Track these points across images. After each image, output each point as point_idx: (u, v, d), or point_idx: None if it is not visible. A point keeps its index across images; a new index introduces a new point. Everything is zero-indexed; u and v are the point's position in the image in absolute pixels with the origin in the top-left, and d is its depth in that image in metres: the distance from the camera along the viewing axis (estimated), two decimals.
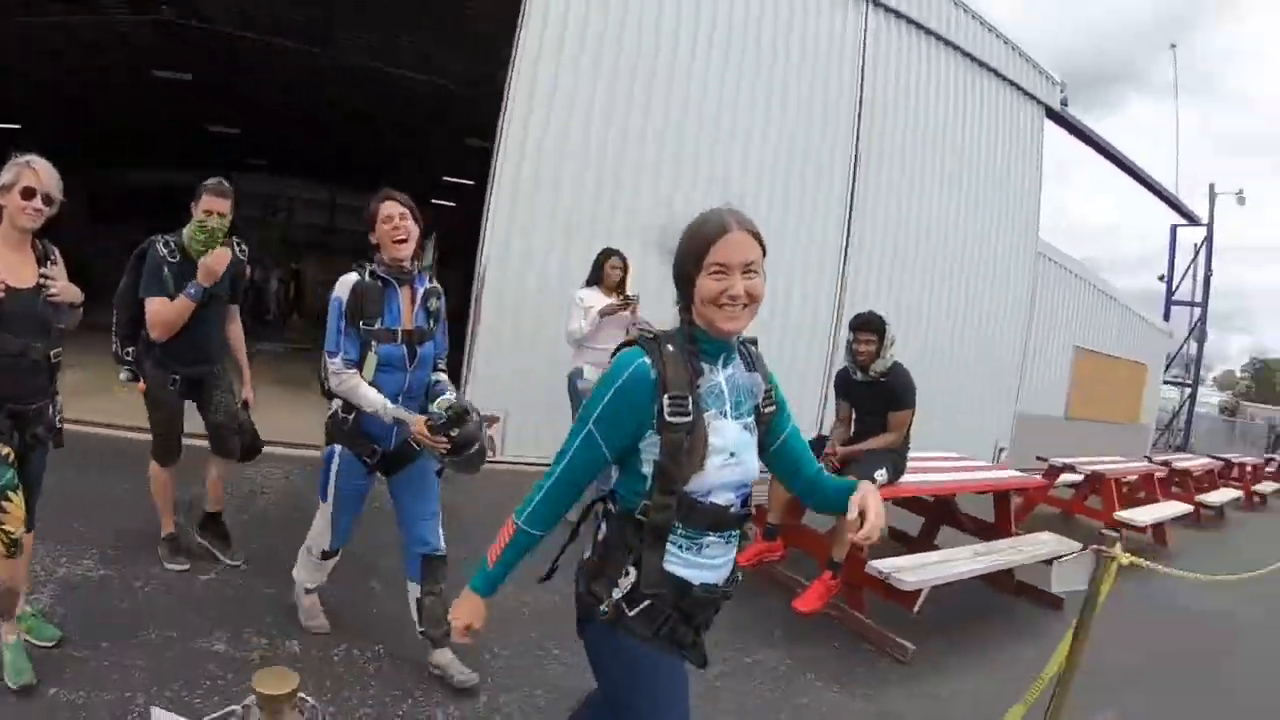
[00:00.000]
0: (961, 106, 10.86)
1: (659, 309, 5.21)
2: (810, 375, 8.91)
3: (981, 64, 11.06)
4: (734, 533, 1.72)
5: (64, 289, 2.70)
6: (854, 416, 4.82)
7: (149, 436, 3.72)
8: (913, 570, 4.08)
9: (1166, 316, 19.21)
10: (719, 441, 1.61)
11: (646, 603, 1.63)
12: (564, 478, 1.65)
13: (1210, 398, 44.01)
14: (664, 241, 1.70)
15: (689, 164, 7.97)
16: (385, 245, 2.92)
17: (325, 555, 3.16)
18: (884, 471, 4.37)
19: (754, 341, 1.79)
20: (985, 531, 5.74)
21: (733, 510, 1.68)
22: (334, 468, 2.99)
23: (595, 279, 5.25)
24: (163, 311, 3.43)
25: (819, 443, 4.72)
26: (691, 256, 1.61)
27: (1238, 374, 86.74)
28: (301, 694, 1.77)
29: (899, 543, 5.63)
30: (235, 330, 3.92)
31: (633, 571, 1.63)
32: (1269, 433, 31.86)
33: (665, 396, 1.56)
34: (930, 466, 5.81)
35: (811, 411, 8.67)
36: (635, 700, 1.69)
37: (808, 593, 4.21)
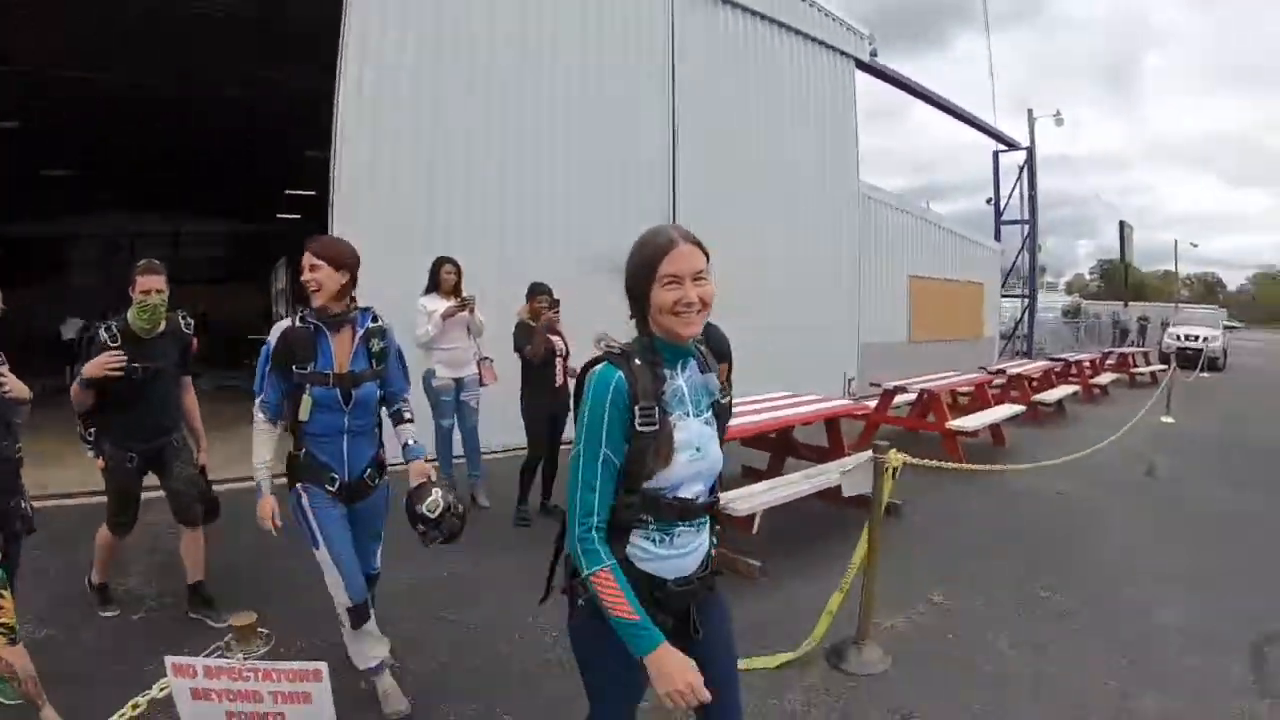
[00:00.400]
0: (777, 69, 11.83)
1: (498, 317, 5.83)
2: None
3: (792, 29, 12.04)
4: (703, 520, 1.85)
5: (16, 386, 2.87)
6: None
7: (76, 503, 3.95)
8: (744, 500, 4.84)
9: (998, 236, 21.00)
10: (684, 437, 1.74)
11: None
12: (603, 505, 1.71)
13: (1057, 303, 47.31)
14: (614, 261, 1.86)
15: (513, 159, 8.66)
16: (308, 294, 2.99)
17: (356, 616, 3.02)
18: None
19: (703, 341, 1.90)
20: (823, 456, 6.67)
21: (700, 500, 1.81)
22: (305, 505, 2.99)
23: (433, 285, 5.85)
24: (75, 394, 3.64)
25: None
26: (644, 271, 1.72)
27: (1087, 276, 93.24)
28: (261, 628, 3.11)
29: (749, 479, 6.40)
30: (189, 399, 4.07)
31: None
32: (1113, 327, 34.95)
33: (636, 408, 1.68)
34: (766, 406, 6.68)
35: None
36: (597, 680, 1.87)
37: None
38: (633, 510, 1.72)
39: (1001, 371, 11.71)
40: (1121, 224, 34.62)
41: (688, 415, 1.77)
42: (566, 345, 5.63)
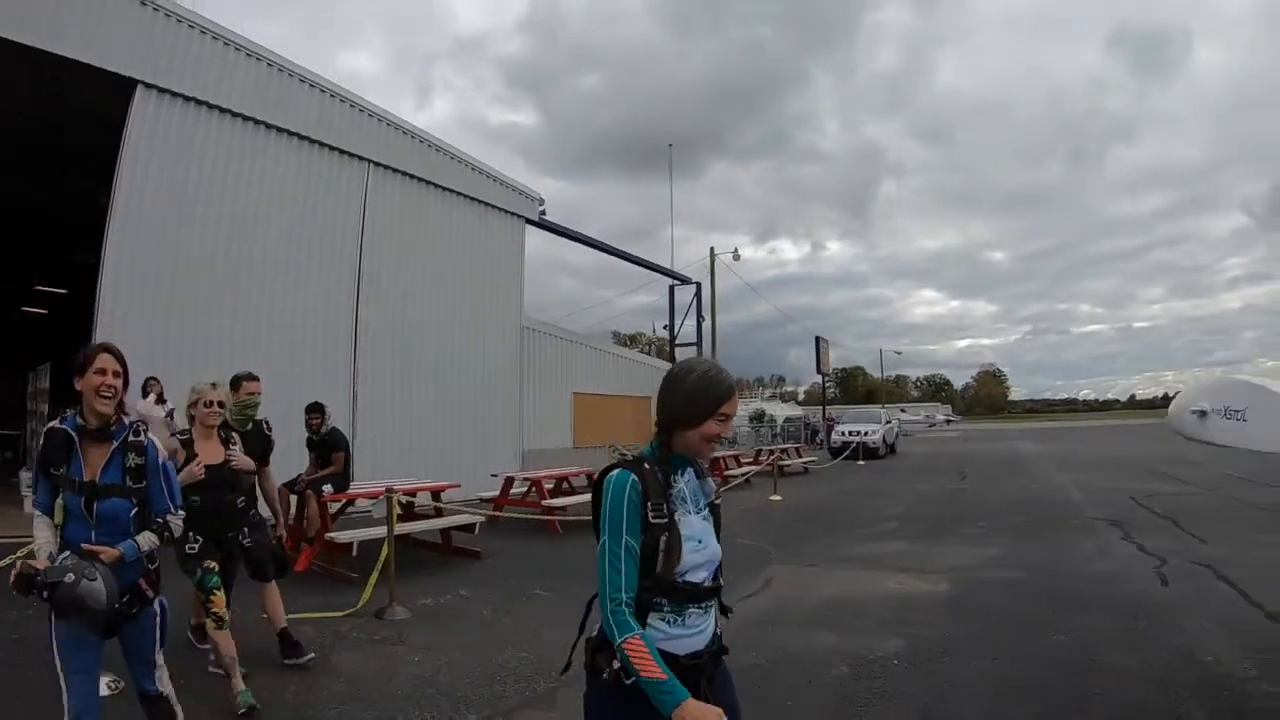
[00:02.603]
0: (455, 229, 15.81)
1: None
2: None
3: (470, 197, 16.14)
4: (710, 603, 2.17)
5: (241, 460, 4.84)
6: (316, 460, 8.83)
7: None
8: (347, 534, 8.24)
9: (673, 357, 26.18)
10: (688, 531, 2.08)
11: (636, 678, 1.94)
12: (629, 586, 2.00)
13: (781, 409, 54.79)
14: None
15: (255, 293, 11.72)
16: (89, 397, 2.99)
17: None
18: (329, 486, 8.42)
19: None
20: (432, 518, 10.05)
21: (706, 585, 2.13)
22: (50, 630, 2.98)
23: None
24: None
25: (296, 480, 8.63)
26: (709, 406, 2.11)
27: (824, 383, 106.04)
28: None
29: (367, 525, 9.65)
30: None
31: None
32: (804, 428, 41.92)
33: (648, 504, 2.03)
34: (400, 484, 10.02)
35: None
36: None
37: (300, 559, 8.15)
38: (649, 593, 2.01)
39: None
40: (817, 339, 41.16)
41: (690, 512, 2.12)
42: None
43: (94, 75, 10.18)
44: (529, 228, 18.12)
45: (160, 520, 3.13)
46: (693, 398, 2.11)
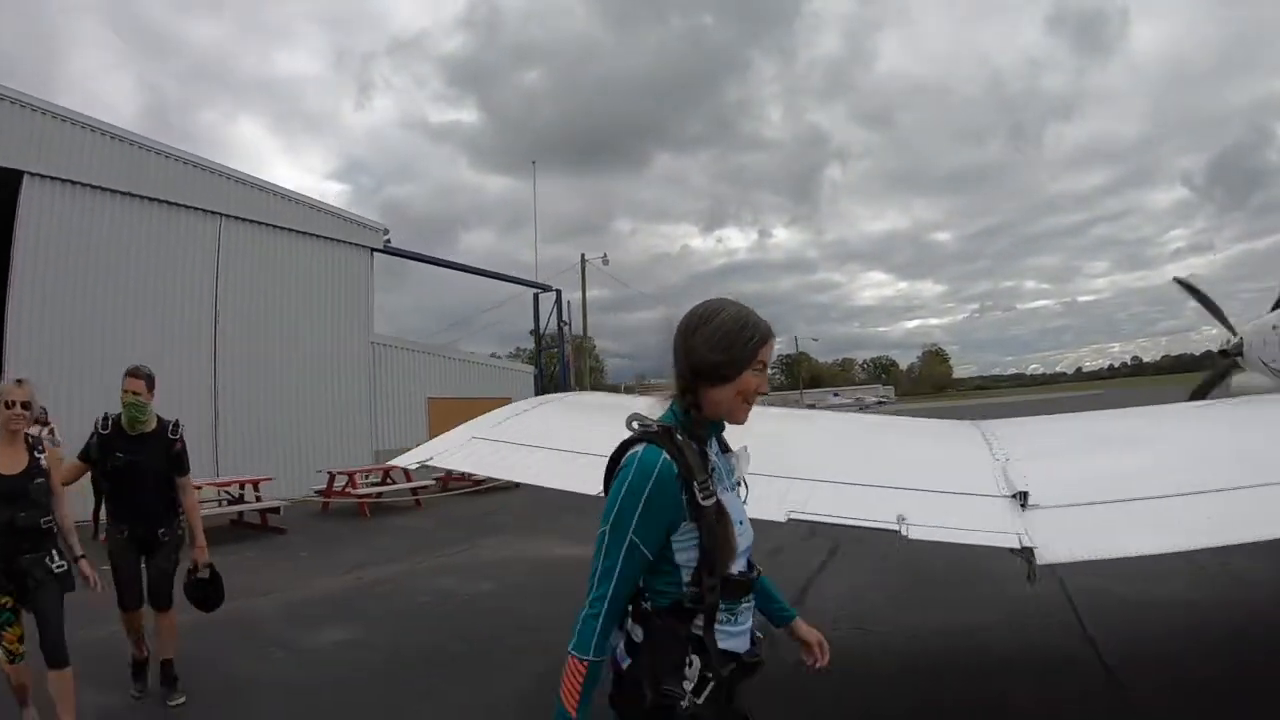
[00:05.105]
0: (305, 261, 19.46)
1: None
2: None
3: (316, 235, 19.81)
4: (752, 596, 1.99)
5: (54, 484, 4.41)
6: None
7: None
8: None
9: (539, 361, 30.11)
10: (732, 514, 1.86)
11: (711, 685, 1.81)
12: (618, 593, 1.79)
13: None
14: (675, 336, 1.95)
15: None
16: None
17: None
18: None
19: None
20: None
21: (750, 574, 1.96)
22: None
23: None
24: None
25: None
26: (748, 351, 1.86)
27: (769, 371, 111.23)
28: None
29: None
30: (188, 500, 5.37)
31: (695, 660, 1.81)
32: None
33: (695, 484, 1.77)
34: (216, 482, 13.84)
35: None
36: None
37: None
38: (716, 594, 1.81)
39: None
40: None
41: (727, 490, 1.91)
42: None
43: None
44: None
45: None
46: (726, 343, 1.85)
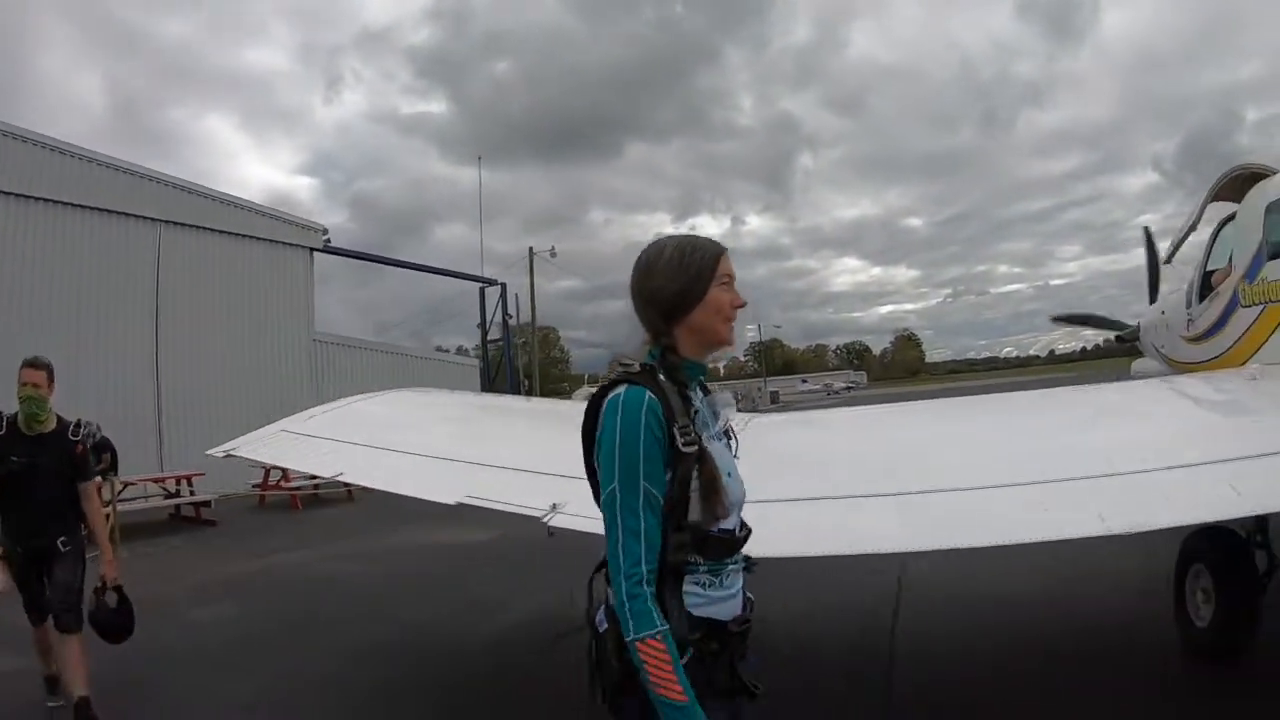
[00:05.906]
0: (240, 267, 20.44)
1: None
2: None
3: (254, 237, 20.78)
4: (743, 556, 1.82)
5: None
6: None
7: None
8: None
9: (485, 354, 31.14)
10: (720, 465, 1.73)
11: (689, 654, 1.62)
12: (651, 550, 1.62)
13: None
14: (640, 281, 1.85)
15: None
16: None
17: None
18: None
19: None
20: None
21: (739, 533, 1.79)
22: None
23: None
24: None
25: None
26: (704, 273, 1.79)
27: (741, 359, 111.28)
28: None
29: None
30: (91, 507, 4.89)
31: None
32: None
33: (675, 427, 1.64)
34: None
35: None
36: None
37: None
38: (684, 550, 1.65)
39: None
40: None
41: (714, 438, 1.79)
42: None
43: None
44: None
45: None
46: (683, 266, 1.81)
